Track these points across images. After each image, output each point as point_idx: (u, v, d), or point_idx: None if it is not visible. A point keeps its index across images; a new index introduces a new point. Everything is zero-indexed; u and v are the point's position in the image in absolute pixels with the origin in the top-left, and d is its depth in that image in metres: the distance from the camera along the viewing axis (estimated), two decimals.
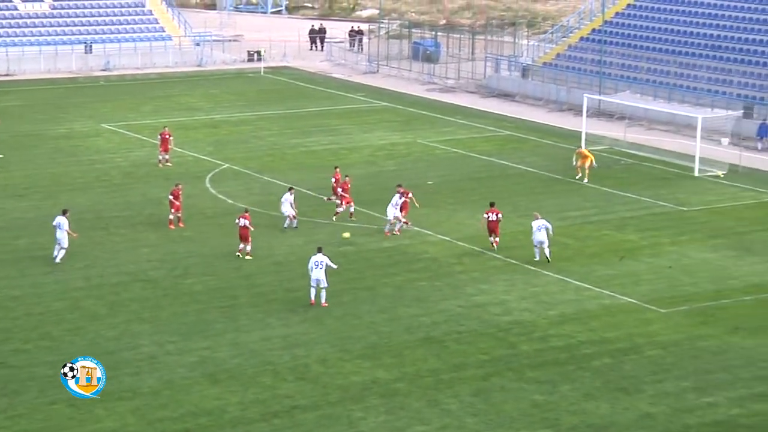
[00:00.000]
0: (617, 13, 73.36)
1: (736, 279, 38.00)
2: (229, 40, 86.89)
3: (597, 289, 36.77)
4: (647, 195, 48.23)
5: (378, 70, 79.46)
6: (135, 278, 37.39)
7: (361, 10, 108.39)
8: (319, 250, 35.23)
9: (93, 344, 31.81)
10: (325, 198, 45.38)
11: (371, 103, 68.97)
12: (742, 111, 58.68)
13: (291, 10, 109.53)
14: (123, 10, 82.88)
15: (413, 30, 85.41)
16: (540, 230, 38.80)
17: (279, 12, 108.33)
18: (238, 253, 39.22)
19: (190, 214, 43.98)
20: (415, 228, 42.41)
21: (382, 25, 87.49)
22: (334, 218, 43.37)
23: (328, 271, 34.91)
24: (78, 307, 34.86)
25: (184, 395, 28.84)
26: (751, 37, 65.48)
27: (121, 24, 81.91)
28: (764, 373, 30.62)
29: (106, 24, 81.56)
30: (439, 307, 35.04)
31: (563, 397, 29.03)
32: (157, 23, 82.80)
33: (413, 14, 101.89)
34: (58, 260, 38.50)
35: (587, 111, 58.65)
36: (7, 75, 75.42)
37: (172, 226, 42.48)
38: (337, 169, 45.68)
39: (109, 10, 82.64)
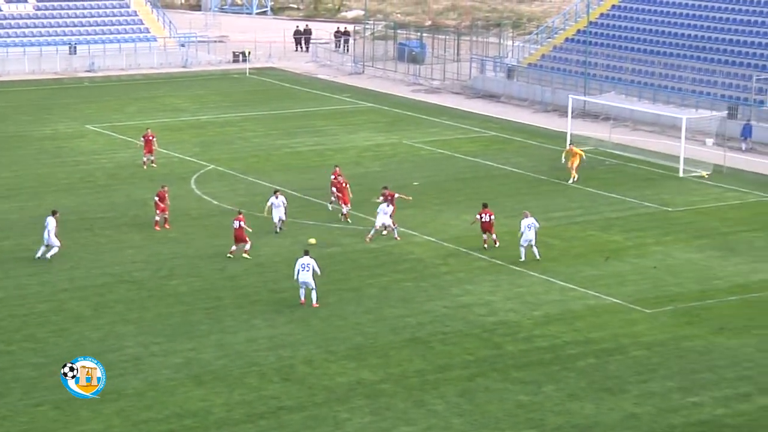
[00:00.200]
0: (602, 14, 73.54)
1: (720, 279, 38.12)
2: (215, 41, 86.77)
3: (582, 290, 36.84)
4: (632, 195, 48.34)
5: (363, 71, 79.46)
6: (120, 279, 37.29)
7: (346, 11, 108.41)
8: (306, 253, 35.18)
9: (77, 346, 31.71)
10: (330, 206, 44.69)
11: (357, 104, 68.97)
12: (727, 112, 58.83)
13: (276, 11, 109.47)
14: (107, 11, 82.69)
15: (398, 31, 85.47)
16: (530, 228, 38.89)
17: (264, 13, 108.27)
18: (229, 254, 39.13)
19: (175, 216, 43.86)
20: (401, 229, 42.39)
21: (367, 26, 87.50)
22: (348, 220, 43.20)
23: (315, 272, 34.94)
24: (62, 308, 34.76)
25: (169, 397, 28.77)
26: (735, 38, 65.72)
27: (105, 25, 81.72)
28: (749, 373, 30.72)
29: (90, 25, 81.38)
30: (425, 308, 35.05)
31: (548, 397, 29.07)
32: (142, 24, 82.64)
33: (398, 15, 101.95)
34: (48, 256, 38.37)
35: (572, 112, 58.75)
36: None
37: (157, 228, 42.39)
38: (338, 168, 45.52)
39: (93, 11, 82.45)
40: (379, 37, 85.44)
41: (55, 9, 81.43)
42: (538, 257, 39.15)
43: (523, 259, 39.16)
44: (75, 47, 78.49)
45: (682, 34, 68.09)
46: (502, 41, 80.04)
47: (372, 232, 41.20)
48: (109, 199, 47.06)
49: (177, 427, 27.32)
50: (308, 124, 62.44)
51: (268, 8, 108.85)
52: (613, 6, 73.68)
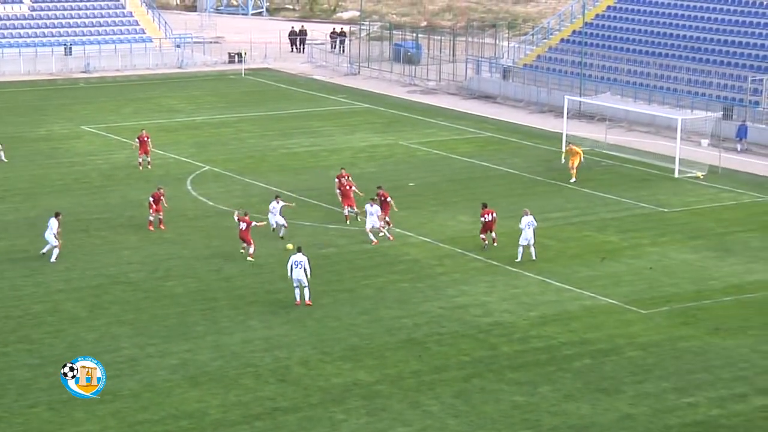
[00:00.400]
0: (597, 15, 73.59)
1: (716, 280, 38.15)
2: (210, 42, 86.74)
3: (578, 290, 36.85)
4: (628, 196, 48.38)
5: (359, 72, 79.46)
6: (115, 281, 37.26)
7: (342, 11, 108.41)
8: (299, 250, 35.25)
9: (73, 347, 31.68)
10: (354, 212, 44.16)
11: (352, 104, 68.97)
12: (722, 112, 58.90)
13: (272, 11, 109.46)
14: (103, 11, 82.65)
15: (394, 32, 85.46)
16: (530, 227, 38.93)
17: (260, 14, 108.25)
18: (241, 250, 39.24)
19: (170, 217, 43.84)
20: (397, 229, 42.40)
21: (363, 27, 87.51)
22: (357, 218, 43.13)
23: (310, 263, 35.00)
24: (58, 309, 34.72)
25: (164, 398, 28.75)
26: (730, 39, 65.79)
27: (101, 26, 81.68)
28: (744, 374, 30.74)
29: (86, 26, 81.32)
30: (421, 309, 35.04)
31: (544, 398, 29.08)
32: (138, 25, 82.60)
33: (394, 16, 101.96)
34: (52, 260, 38.57)
35: (568, 112, 58.79)
36: None
37: (151, 228, 42.36)
38: (343, 170, 45.38)
39: (89, 11, 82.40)
40: (375, 38, 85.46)
41: (50, 10, 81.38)
42: (534, 258, 39.18)
43: (519, 259, 39.19)
44: (70, 48, 78.44)
45: (678, 35, 68.16)
46: (497, 42, 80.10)
47: (372, 237, 40.98)
48: (105, 200, 47.03)
49: (173, 428, 27.29)
50: (304, 125, 62.43)
51: (264, 9, 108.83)
52: (609, 7, 73.73)
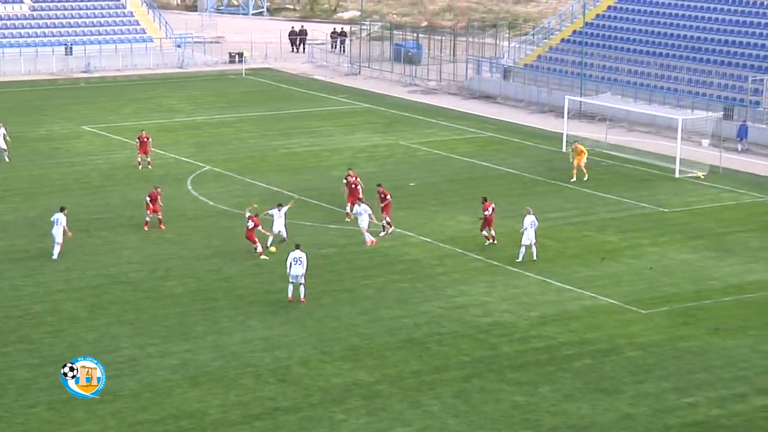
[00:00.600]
0: (598, 15, 73.58)
1: (716, 280, 38.15)
2: (211, 42, 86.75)
3: (578, 290, 36.85)
4: (628, 196, 48.37)
5: (359, 72, 79.47)
6: (115, 280, 37.27)
7: (342, 11, 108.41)
8: (297, 247, 35.31)
9: (73, 347, 31.68)
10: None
11: (353, 104, 68.97)
12: (722, 112, 58.91)
13: (272, 11, 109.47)
14: (103, 11, 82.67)
15: (395, 32, 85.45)
16: (532, 226, 38.98)
17: (260, 13, 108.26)
18: (264, 257, 39.15)
19: (171, 216, 43.88)
20: (397, 229, 42.40)
21: (363, 27, 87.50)
22: (348, 219, 43.14)
23: (309, 263, 35.02)
24: (58, 309, 34.72)
25: (165, 398, 28.75)
26: (731, 39, 65.78)
27: (101, 25, 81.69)
28: (744, 374, 30.74)
29: (86, 25, 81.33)
30: (421, 309, 35.05)
31: (544, 398, 29.07)
32: (138, 25, 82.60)
33: (395, 16, 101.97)
34: (54, 257, 38.74)
35: (568, 112, 58.81)
36: None
37: (147, 228, 42.35)
38: (351, 170, 45.25)
39: (89, 11, 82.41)
40: (376, 38, 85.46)
41: (50, 9, 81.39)
42: (535, 258, 39.20)
43: (520, 259, 39.19)
44: (71, 48, 78.44)
45: (678, 35, 68.15)
46: (498, 42, 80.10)
47: (367, 237, 40.81)
48: (105, 200, 47.03)
49: (173, 428, 27.30)
50: (304, 125, 62.44)
51: (265, 9, 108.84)
52: (609, 7, 73.72)
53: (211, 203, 46.68)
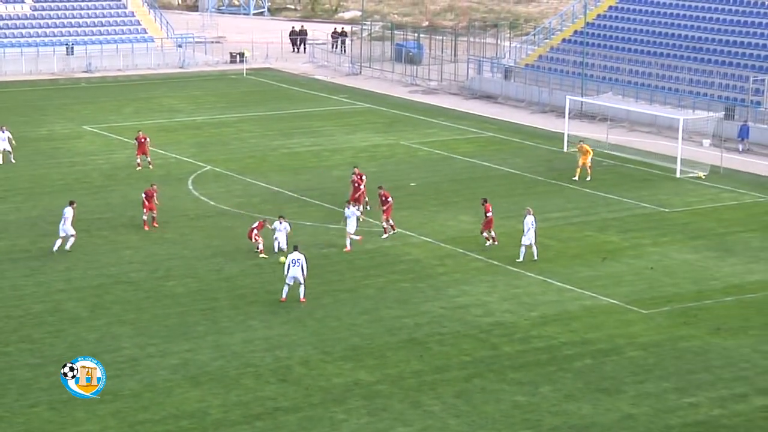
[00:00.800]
0: (599, 15, 73.57)
1: (717, 280, 38.14)
2: (212, 42, 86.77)
3: (579, 290, 36.84)
4: (629, 196, 48.37)
5: (360, 72, 79.47)
6: (116, 280, 37.27)
7: (343, 11, 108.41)
8: (296, 248, 35.32)
9: (74, 347, 31.69)
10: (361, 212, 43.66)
11: (354, 104, 68.97)
12: (723, 112, 58.91)
13: (273, 11, 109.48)
14: (105, 11, 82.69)
15: (396, 32, 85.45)
16: (532, 226, 38.98)
17: (261, 13, 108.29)
18: (264, 255, 39.19)
19: (172, 216, 43.90)
20: (398, 229, 42.39)
21: (364, 27, 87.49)
22: (361, 217, 43.08)
23: (310, 263, 35.06)
24: (59, 309, 34.72)
25: (165, 398, 28.75)
26: (732, 39, 65.76)
27: (102, 25, 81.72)
28: (745, 374, 30.73)
29: (87, 25, 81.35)
30: (422, 309, 35.04)
31: (545, 398, 29.07)
32: (139, 25, 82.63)
33: (396, 16, 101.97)
34: (67, 247, 39.30)
35: (569, 112, 58.81)
36: None
37: (147, 228, 42.39)
38: (356, 169, 45.28)
39: (90, 11, 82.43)
40: (377, 38, 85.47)
41: (52, 9, 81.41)
42: (536, 258, 39.21)
43: (521, 259, 39.19)
44: (72, 48, 78.46)
45: (679, 35, 68.14)
46: (499, 42, 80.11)
47: (349, 241, 40.42)
48: (106, 200, 47.04)
49: (173, 428, 27.29)
50: (305, 125, 62.44)
51: (266, 9, 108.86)
52: (610, 7, 73.71)
53: (212, 203, 46.68)
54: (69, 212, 39.66)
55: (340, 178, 49.82)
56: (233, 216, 44.60)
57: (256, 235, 39.47)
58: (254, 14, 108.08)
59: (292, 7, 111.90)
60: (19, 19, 79.99)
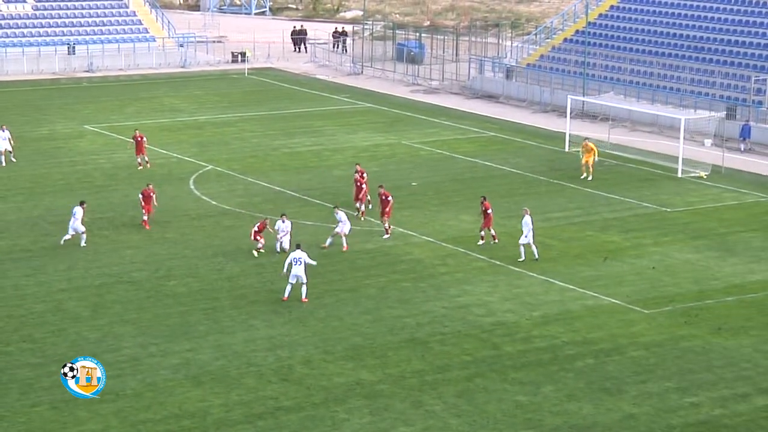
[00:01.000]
0: (601, 15, 73.56)
1: (718, 280, 38.13)
2: (213, 42, 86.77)
3: (580, 290, 36.84)
4: (630, 196, 48.35)
5: (362, 72, 79.46)
6: (118, 280, 37.28)
7: (345, 11, 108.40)
8: (298, 247, 35.34)
9: (75, 346, 31.69)
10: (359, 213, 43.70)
11: (355, 104, 68.97)
12: (725, 112, 58.87)
13: (275, 11, 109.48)
14: (106, 11, 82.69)
15: (397, 31, 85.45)
16: (530, 225, 38.96)
17: (263, 13, 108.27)
18: (256, 252, 39.28)
19: (173, 216, 43.91)
20: (399, 229, 42.39)
21: (366, 27, 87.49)
22: (362, 218, 43.15)
23: (309, 267, 35.02)
24: (60, 309, 34.73)
25: (167, 397, 28.76)
26: (733, 38, 65.73)
27: (104, 25, 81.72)
28: (747, 374, 30.73)
29: (89, 25, 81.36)
30: (423, 308, 35.04)
31: (546, 398, 29.06)
32: (141, 24, 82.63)
33: (397, 15, 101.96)
34: (82, 243, 39.88)
35: (571, 112, 58.79)
36: None
37: (147, 227, 42.42)
38: (358, 166, 45.26)
39: (92, 11, 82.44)
40: (378, 38, 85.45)
41: (53, 9, 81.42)
42: (536, 257, 39.20)
43: (522, 259, 39.19)
44: (73, 47, 78.47)
45: (681, 35, 68.11)
46: (500, 42, 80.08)
47: (330, 240, 40.06)
48: (107, 199, 47.04)
49: (175, 427, 27.30)
50: (306, 125, 62.44)
51: (267, 8, 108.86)
52: (612, 6, 73.69)
53: (214, 203, 46.68)
54: (79, 211, 40.02)
55: (341, 178, 49.83)
56: (235, 216, 44.61)
57: (257, 234, 39.49)
58: (256, 14, 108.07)
59: (294, 6, 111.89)
60: (20, 18, 80.00)
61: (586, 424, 27.76)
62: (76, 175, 51.19)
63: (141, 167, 51.63)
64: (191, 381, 29.69)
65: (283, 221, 39.79)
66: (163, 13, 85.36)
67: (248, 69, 79.04)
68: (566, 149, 56.18)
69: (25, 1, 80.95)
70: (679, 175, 51.88)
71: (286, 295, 35.13)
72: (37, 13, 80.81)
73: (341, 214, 40.06)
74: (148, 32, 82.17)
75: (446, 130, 61.74)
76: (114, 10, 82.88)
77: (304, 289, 35.08)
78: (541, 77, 70.20)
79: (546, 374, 30.40)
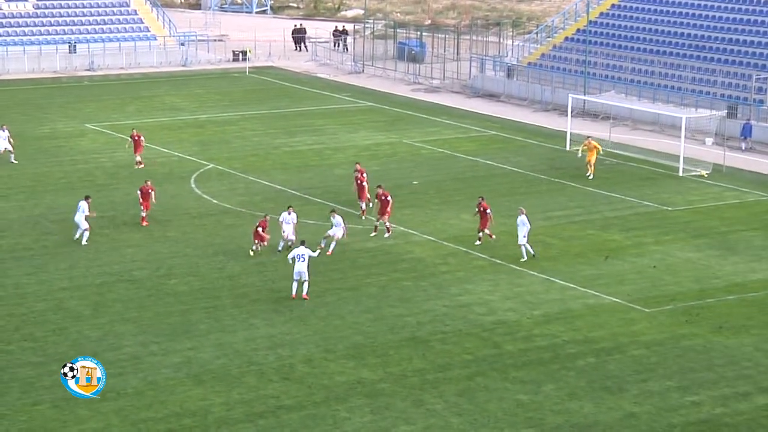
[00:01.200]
0: (602, 14, 73.54)
1: (719, 278, 38.13)
2: (214, 40, 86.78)
3: (581, 289, 36.84)
4: (631, 195, 48.35)
5: (363, 70, 79.46)
6: (119, 279, 37.29)
7: (346, 10, 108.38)
8: (302, 243, 35.36)
9: (76, 345, 31.71)
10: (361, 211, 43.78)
11: (356, 103, 68.97)
12: (726, 111, 58.86)
13: (276, 9, 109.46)
14: (107, 9, 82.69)
15: (398, 30, 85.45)
16: (523, 225, 38.97)
17: (264, 12, 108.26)
18: (255, 248, 39.25)
19: (174, 215, 43.92)
20: (400, 228, 42.40)
21: (367, 25, 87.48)
22: (363, 216, 43.20)
23: (312, 261, 35.14)
24: (61, 307, 34.74)
25: (168, 396, 28.77)
26: (734, 37, 65.72)
27: (105, 24, 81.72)
28: (747, 372, 30.73)
29: (90, 24, 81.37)
30: (424, 307, 35.04)
31: (547, 396, 29.07)
32: (142, 23, 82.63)
33: (398, 14, 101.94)
34: (84, 242, 39.91)
35: (572, 111, 58.78)
36: None
37: (145, 223, 42.49)
38: (358, 165, 45.27)
39: (93, 9, 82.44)
40: (379, 36, 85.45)
41: (54, 8, 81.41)
42: (533, 253, 39.18)
43: (524, 259, 39.18)
44: (75, 46, 78.47)
45: (682, 34, 68.10)
46: (501, 40, 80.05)
47: (323, 242, 39.87)
48: (108, 198, 47.04)
49: (176, 426, 27.31)
50: (308, 123, 62.44)
51: (268, 7, 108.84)
52: (613, 5, 73.67)
53: (215, 201, 46.70)
54: (84, 206, 40.22)
55: (342, 177, 49.84)
56: (236, 214, 44.62)
57: (261, 234, 39.37)
58: (257, 12, 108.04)
59: (295, 5, 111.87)
60: (21, 17, 80.00)
61: (587, 422, 27.77)
62: (77, 174, 51.20)
63: (142, 165, 51.62)
64: (192, 380, 29.71)
65: (290, 213, 39.83)
66: (164, 12, 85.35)
67: (249, 68, 79.03)
68: (567, 148, 56.19)
69: (26, 0, 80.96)
70: (680, 173, 51.88)
71: (294, 292, 35.15)
72: (38, 11, 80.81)
73: (338, 219, 39.98)
74: (149, 31, 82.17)
75: (447, 128, 61.74)
76: (115, 9, 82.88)
77: (305, 286, 35.13)
78: (542, 76, 70.19)
79: (547, 373, 30.40)
